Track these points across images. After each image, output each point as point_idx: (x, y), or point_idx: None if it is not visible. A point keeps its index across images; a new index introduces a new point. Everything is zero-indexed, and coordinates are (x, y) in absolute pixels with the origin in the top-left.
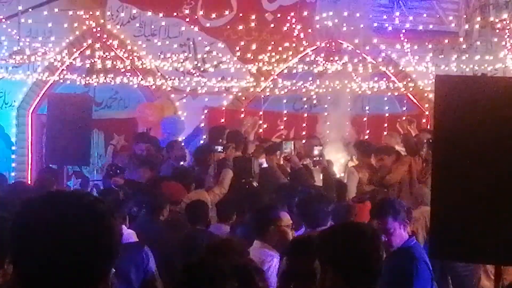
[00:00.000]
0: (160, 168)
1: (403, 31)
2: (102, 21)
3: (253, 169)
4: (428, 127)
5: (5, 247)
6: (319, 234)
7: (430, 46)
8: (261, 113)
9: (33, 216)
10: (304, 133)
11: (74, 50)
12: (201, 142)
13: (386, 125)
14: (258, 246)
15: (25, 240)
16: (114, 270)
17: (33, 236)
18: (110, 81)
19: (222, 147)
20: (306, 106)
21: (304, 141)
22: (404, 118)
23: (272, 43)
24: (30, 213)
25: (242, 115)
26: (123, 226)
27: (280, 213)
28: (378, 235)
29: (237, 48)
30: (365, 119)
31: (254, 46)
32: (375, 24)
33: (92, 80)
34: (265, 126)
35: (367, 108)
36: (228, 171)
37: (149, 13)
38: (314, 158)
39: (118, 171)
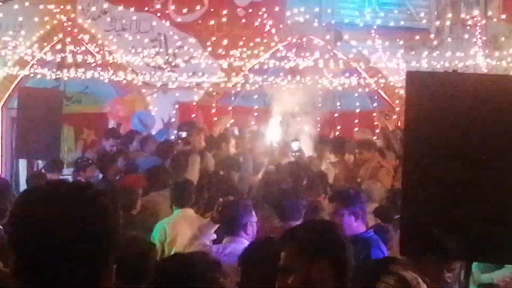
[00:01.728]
0: (137, 163)
1: (374, 27)
2: (73, 15)
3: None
4: (399, 123)
5: None
6: (298, 228)
7: (401, 42)
8: (230, 108)
9: (33, 207)
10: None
11: (45, 44)
12: (172, 137)
13: (357, 121)
14: (242, 243)
15: (24, 232)
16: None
17: (32, 228)
18: (81, 75)
19: (186, 133)
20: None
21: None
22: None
23: (244, 38)
24: (30, 204)
25: (214, 110)
26: None
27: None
28: None
29: (208, 43)
30: (336, 115)
31: (225, 42)
32: (346, 20)
33: (63, 74)
34: (232, 121)
35: (338, 104)
36: (195, 157)
37: (120, 8)
38: (294, 153)
39: (86, 164)
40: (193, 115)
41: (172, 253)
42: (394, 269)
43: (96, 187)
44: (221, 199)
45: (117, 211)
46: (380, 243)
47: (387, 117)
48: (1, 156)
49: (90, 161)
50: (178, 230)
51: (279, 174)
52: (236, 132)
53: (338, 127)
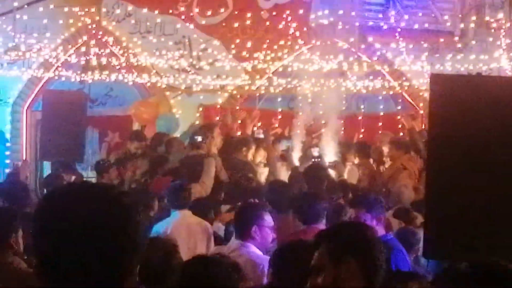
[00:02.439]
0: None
1: (399, 30)
2: (97, 18)
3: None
4: (423, 126)
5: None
6: (330, 229)
7: (425, 45)
8: (256, 111)
9: (57, 209)
10: (298, 131)
11: (69, 46)
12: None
13: (381, 124)
14: (246, 247)
15: (49, 233)
16: None
17: (57, 229)
18: (105, 78)
19: (201, 138)
20: (300, 105)
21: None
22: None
23: (268, 41)
24: (54, 206)
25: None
26: None
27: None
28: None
29: (233, 46)
30: (360, 118)
31: (249, 44)
32: (371, 23)
33: (87, 77)
34: (259, 124)
35: (362, 107)
36: (211, 160)
37: (145, 10)
38: (314, 159)
39: (108, 166)
40: (217, 118)
41: None
42: (412, 286)
43: (119, 188)
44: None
45: (140, 212)
46: (400, 246)
47: (414, 118)
48: (25, 158)
49: (111, 163)
50: (173, 232)
51: (296, 178)
52: (261, 135)
53: (362, 130)
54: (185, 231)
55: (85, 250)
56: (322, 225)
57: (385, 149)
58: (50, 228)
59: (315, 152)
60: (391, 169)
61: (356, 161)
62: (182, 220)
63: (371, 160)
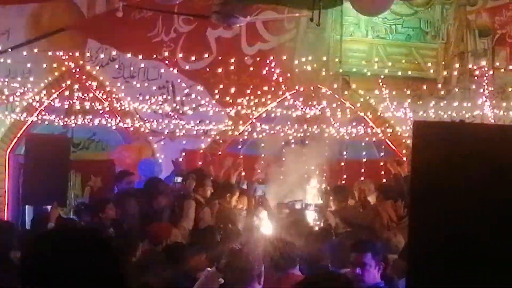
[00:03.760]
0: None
1: (382, 76)
2: (81, 62)
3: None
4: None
5: None
6: (305, 281)
7: (408, 92)
8: (241, 156)
9: (42, 252)
10: (281, 177)
11: (53, 90)
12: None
13: (363, 170)
14: None
15: (35, 276)
16: None
17: (43, 272)
18: (88, 122)
19: (182, 178)
20: (284, 151)
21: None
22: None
23: (251, 86)
24: (40, 250)
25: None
26: None
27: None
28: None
29: (216, 91)
30: (342, 164)
31: (233, 90)
32: (354, 69)
33: (71, 121)
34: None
35: (344, 153)
36: (191, 202)
37: (129, 55)
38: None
39: (84, 209)
40: (200, 163)
41: None
42: None
43: (103, 233)
44: (231, 247)
45: (123, 256)
46: None
47: (400, 164)
48: (7, 202)
49: (85, 207)
50: None
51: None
52: (245, 186)
53: (344, 176)
54: None
55: None
56: (297, 271)
57: (370, 199)
58: (35, 270)
59: (298, 205)
60: (364, 214)
61: (335, 206)
62: None
63: (352, 202)
